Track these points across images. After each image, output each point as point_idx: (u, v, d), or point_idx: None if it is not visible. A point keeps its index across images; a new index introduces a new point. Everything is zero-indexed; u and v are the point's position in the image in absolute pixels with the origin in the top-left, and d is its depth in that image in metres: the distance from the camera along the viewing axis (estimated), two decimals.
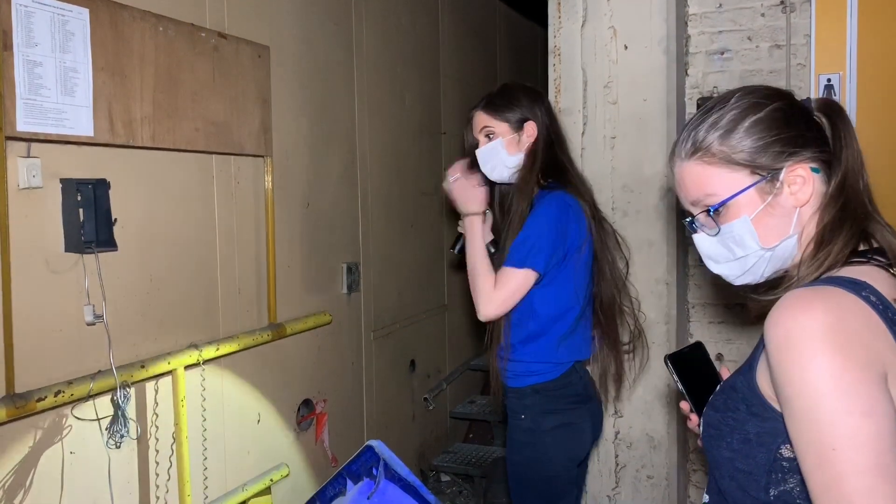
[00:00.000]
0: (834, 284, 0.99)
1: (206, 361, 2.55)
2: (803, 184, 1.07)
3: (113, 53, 2.16)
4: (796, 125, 1.07)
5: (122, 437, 2.15)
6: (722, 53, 2.76)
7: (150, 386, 2.40)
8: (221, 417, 2.73)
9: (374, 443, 2.65)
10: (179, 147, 2.44)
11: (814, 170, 1.07)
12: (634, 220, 2.66)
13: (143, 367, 2.28)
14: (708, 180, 1.10)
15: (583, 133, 2.70)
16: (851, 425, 0.89)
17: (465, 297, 4.80)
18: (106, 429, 2.16)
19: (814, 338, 0.92)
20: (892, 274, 1.02)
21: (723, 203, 1.09)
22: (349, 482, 2.68)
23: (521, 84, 2.27)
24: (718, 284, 2.76)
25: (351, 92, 3.55)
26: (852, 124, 1.11)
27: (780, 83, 2.70)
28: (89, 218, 2.14)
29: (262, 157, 2.86)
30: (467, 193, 2.18)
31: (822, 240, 1.06)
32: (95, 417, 2.17)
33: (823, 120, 1.12)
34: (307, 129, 3.21)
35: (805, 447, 0.93)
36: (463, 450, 4.46)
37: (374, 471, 2.64)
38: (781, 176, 1.06)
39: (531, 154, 2.09)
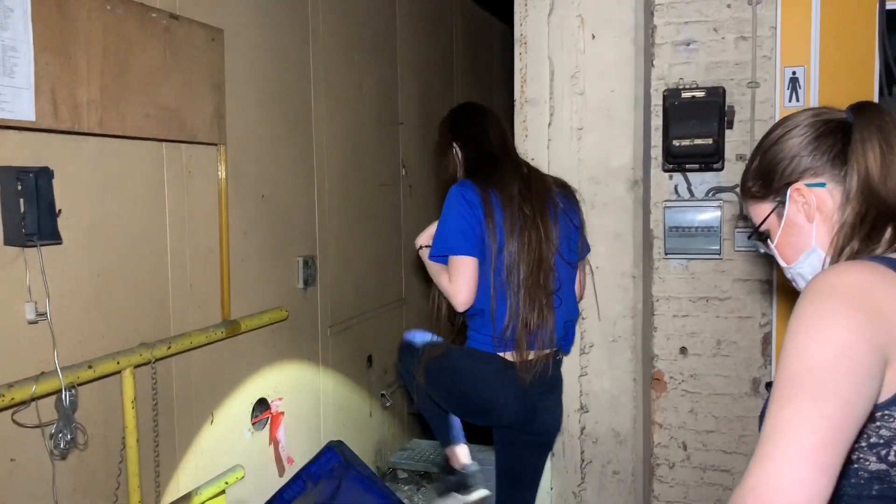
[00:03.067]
0: (874, 260, 1.04)
1: (158, 360, 2.42)
2: (804, 201, 1.16)
3: (57, 32, 2.01)
4: (792, 150, 1.17)
5: (66, 443, 2.01)
6: (688, 44, 2.73)
7: (97, 387, 2.26)
8: (173, 419, 2.60)
9: (334, 443, 2.56)
10: (129, 134, 2.30)
11: (813, 185, 1.15)
12: (602, 212, 2.62)
13: (90, 367, 2.14)
14: (752, 212, 1.26)
15: (549, 124, 2.64)
16: (818, 354, 0.91)
17: (423, 291, 4.72)
18: (50, 436, 2.02)
19: (833, 289, 0.96)
20: None
21: (756, 229, 1.25)
22: (309, 484, 2.59)
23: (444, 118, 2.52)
24: (682, 278, 2.75)
25: (307, 79, 3.43)
26: (879, 127, 1.13)
27: (746, 75, 2.69)
28: (31, 209, 2.00)
29: (216, 145, 2.73)
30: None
31: (839, 242, 1.13)
32: (38, 423, 2.03)
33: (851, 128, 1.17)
34: (262, 117, 3.08)
35: (778, 368, 0.95)
36: (421, 446, 4.39)
37: (335, 472, 2.55)
38: (787, 199, 1.17)
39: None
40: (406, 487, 4.13)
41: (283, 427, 3.26)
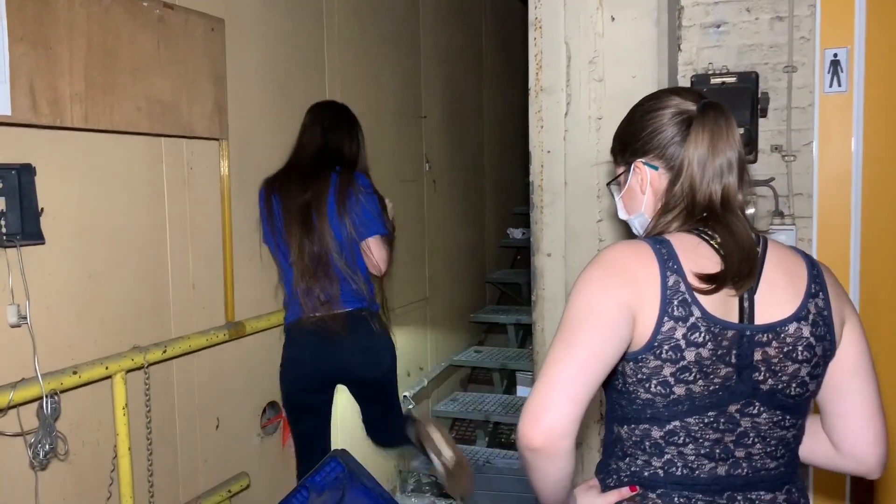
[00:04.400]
0: (646, 239, 1.27)
1: (153, 364, 2.33)
2: (640, 176, 1.35)
3: (34, 22, 1.92)
4: (645, 131, 1.33)
5: (45, 453, 1.92)
6: (718, 26, 2.52)
7: (88, 393, 2.17)
8: (173, 425, 2.51)
9: (338, 452, 2.43)
10: (118, 128, 2.20)
11: (649, 165, 1.33)
12: None
13: (75, 373, 2.05)
14: (615, 165, 1.46)
15: (566, 113, 2.46)
16: (576, 310, 1.21)
17: (447, 289, 4.58)
18: (29, 445, 1.93)
19: (600, 260, 1.25)
20: (713, 245, 1.24)
21: (610, 182, 1.48)
22: (312, 494, 2.46)
23: None
24: None
25: (321, 71, 3.31)
26: (711, 132, 1.26)
27: (782, 59, 2.47)
28: (12, 208, 1.92)
29: (217, 140, 2.62)
30: None
31: (654, 217, 1.34)
32: (20, 431, 1.94)
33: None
34: (270, 111, 2.97)
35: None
36: None
37: (339, 482, 2.42)
38: (632, 168, 1.36)
39: None
40: (429, 494, 3.99)
41: None
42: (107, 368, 2.15)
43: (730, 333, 1.20)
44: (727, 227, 1.24)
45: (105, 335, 2.24)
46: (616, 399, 1.28)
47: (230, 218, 2.66)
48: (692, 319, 1.19)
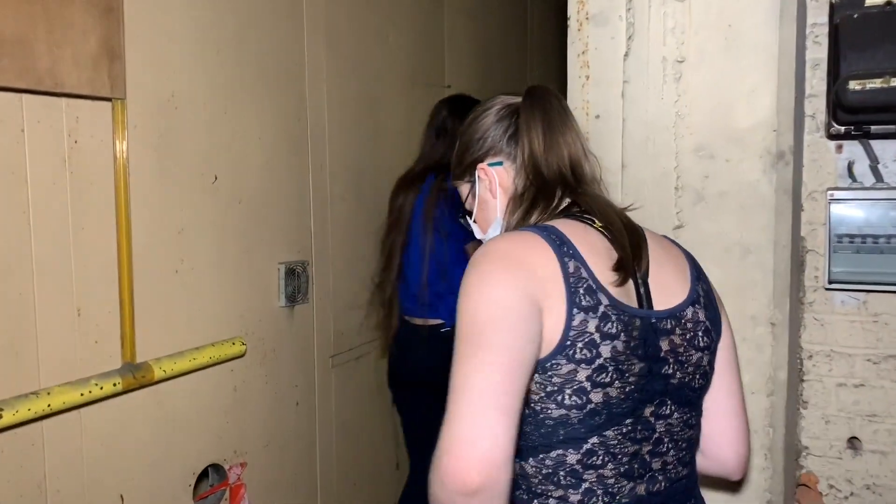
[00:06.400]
0: (525, 229, 1.15)
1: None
2: (488, 179, 1.29)
3: None
4: (477, 135, 1.30)
5: None
6: None
7: None
8: None
9: None
10: None
11: (492, 164, 1.29)
12: (717, 207, 1.51)
13: None
14: (460, 192, 1.38)
15: (626, 54, 1.55)
16: (482, 308, 1.01)
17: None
18: None
19: (486, 255, 1.08)
20: (596, 228, 1.14)
21: (463, 209, 1.38)
22: None
23: None
24: (857, 322, 1.62)
25: (298, 14, 2.48)
26: (543, 109, 1.21)
27: None
28: None
29: (108, 100, 1.80)
30: None
31: (508, 212, 1.24)
32: None
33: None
34: (213, 62, 2.15)
35: (455, 332, 1.04)
36: None
37: None
38: (475, 178, 1.31)
39: None
40: None
41: (246, 502, 2.34)
42: None
43: (637, 322, 1.09)
44: (598, 204, 1.18)
45: None
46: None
47: (127, 213, 1.84)
48: (602, 308, 1.06)
